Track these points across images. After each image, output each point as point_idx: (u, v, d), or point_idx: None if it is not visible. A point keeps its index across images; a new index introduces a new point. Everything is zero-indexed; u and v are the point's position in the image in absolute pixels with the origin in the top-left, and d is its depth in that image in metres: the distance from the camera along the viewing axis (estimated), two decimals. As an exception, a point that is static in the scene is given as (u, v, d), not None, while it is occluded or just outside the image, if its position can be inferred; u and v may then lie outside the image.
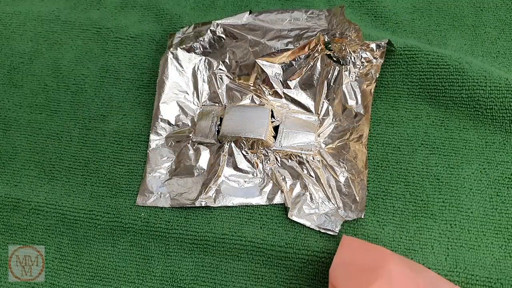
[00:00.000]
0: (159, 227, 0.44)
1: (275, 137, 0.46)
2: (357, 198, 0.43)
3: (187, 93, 0.50)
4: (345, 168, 0.44)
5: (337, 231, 0.41)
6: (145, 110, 0.51)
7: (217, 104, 0.49)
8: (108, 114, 0.51)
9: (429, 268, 0.39)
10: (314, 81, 0.48)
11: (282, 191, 0.44)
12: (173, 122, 0.49)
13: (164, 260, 0.43)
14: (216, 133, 0.47)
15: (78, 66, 0.54)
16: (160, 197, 0.45)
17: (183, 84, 0.50)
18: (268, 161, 0.46)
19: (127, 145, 0.49)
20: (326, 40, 0.49)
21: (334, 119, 0.47)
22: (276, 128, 0.47)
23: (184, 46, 0.51)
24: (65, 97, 0.52)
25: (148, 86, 0.52)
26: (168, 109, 0.49)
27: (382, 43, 0.47)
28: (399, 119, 0.47)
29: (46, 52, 0.55)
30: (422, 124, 0.46)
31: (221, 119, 0.47)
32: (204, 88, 0.50)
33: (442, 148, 0.45)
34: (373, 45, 0.47)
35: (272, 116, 0.47)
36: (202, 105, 0.50)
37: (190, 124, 0.49)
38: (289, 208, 0.43)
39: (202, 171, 0.46)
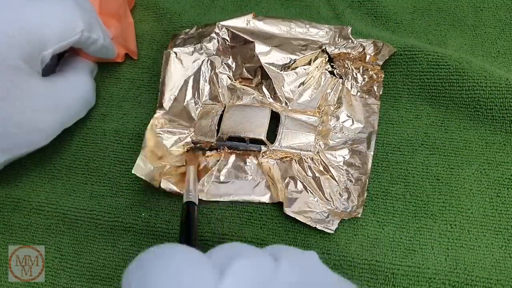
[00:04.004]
0: (160, 227, 0.44)
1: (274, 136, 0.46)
2: (355, 197, 0.43)
3: (188, 92, 0.50)
4: (344, 170, 0.44)
5: (333, 229, 0.41)
6: (146, 109, 0.51)
7: (217, 104, 0.49)
8: (109, 113, 0.51)
9: (429, 269, 0.39)
10: (316, 93, 0.48)
11: (277, 188, 0.44)
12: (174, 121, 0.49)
13: (164, 260, 0.43)
14: (215, 132, 0.47)
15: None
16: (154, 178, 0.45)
17: (185, 83, 0.50)
18: (267, 161, 0.46)
19: (127, 144, 0.49)
20: (329, 57, 0.49)
21: (334, 128, 0.47)
22: (275, 128, 0.47)
23: (187, 46, 0.51)
24: (65, 97, 0.52)
25: (148, 86, 0.52)
26: (169, 107, 0.49)
27: (380, 43, 0.48)
28: (399, 119, 0.47)
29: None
30: (422, 125, 0.46)
31: (220, 118, 0.47)
32: (205, 87, 0.50)
33: (442, 149, 0.45)
34: (371, 49, 0.48)
35: (272, 116, 0.47)
36: (203, 104, 0.50)
37: (190, 123, 0.49)
38: (284, 203, 0.43)
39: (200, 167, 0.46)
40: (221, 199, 0.44)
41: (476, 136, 0.45)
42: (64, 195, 0.47)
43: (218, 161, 0.46)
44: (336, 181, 0.44)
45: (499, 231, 0.41)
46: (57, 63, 0.50)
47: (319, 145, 0.46)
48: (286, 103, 0.48)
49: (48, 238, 0.46)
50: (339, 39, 0.50)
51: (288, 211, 0.42)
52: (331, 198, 0.43)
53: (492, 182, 0.43)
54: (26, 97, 0.41)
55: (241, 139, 0.46)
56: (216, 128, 0.47)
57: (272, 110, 0.47)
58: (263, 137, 0.45)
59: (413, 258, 0.40)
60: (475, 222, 0.41)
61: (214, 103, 0.49)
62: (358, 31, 0.51)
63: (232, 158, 0.46)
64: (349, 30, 0.50)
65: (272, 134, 0.46)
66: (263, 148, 0.46)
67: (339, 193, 0.43)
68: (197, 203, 0.41)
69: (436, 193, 0.43)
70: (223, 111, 0.48)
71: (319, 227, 0.41)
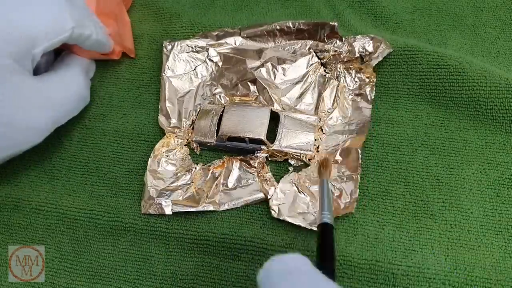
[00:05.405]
0: (159, 227, 0.44)
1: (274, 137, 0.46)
2: (347, 195, 0.43)
3: (191, 112, 0.50)
4: (335, 169, 0.44)
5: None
6: (145, 109, 0.51)
7: (216, 104, 0.50)
8: (108, 114, 0.51)
9: (428, 269, 0.39)
10: (312, 98, 0.49)
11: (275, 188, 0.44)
12: (177, 125, 0.49)
13: (164, 260, 0.43)
14: (215, 133, 0.47)
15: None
16: (163, 203, 0.45)
17: (184, 104, 0.50)
18: (267, 163, 0.46)
19: (127, 144, 0.49)
20: (321, 63, 0.50)
21: (329, 130, 0.47)
22: (275, 128, 0.47)
23: (180, 75, 0.51)
24: (65, 97, 0.52)
25: (148, 86, 0.52)
26: (170, 111, 0.50)
27: (382, 45, 0.48)
28: (399, 119, 0.47)
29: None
30: (422, 124, 0.46)
31: (220, 119, 0.47)
32: (203, 98, 0.51)
33: (442, 149, 0.45)
34: (370, 46, 0.48)
35: (272, 116, 0.47)
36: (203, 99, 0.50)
37: (190, 124, 0.49)
38: (277, 208, 0.43)
39: (202, 177, 0.46)
40: (236, 205, 0.44)
41: (476, 136, 0.45)
42: (64, 195, 0.47)
43: (223, 170, 0.46)
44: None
45: (499, 231, 0.41)
46: (54, 62, 0.50)
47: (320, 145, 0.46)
48: (284, 110, 0.48)
49: (48, 238, 0.45)
50: (324, 32, 0.50)
51: (282, 215, 0.42)
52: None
53: (492, 182, 0.43)
54: (16, 95, 0.40)
55: (241, 139, 0.46)
56: (216, 128, 0.47)
57: (271, 110, 0.47)
58: (263, 137, 0.45)
59: (413, 258, 0.40)
60: (475, 222, 0.41)
61: (213, 103, 0.50)
62: (358, 31, 0.51)
63: (237, 163, 0.46)
64: (336, 26, 0.50)
65: (272, 134, 0.46)
66: (263, 148, 0.46)
67: (331, 191, 0.43)
68: (333, 224, 0.36)
69: (436, 193, 0.43)
70: (222, 112, 0.48)
71: (314, 228, 0.41)
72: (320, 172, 0.43)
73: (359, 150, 0.44)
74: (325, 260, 0.34)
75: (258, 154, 0.46)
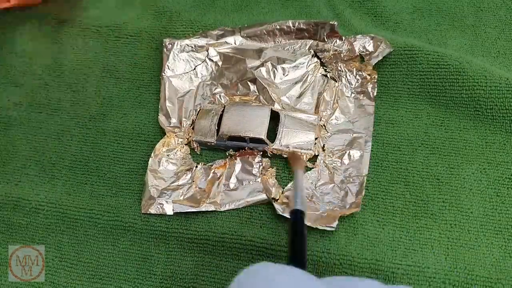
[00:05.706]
0: (160, 227, 0.44)
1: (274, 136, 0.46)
2: (353, 195, 0.43)
3: (191, 113, 0.50)
4: (342, 170, 0.44)
5: (335, 227, 0.41)
6: (145, 109, 0.51)
7: (217, 104, 0.50)
8: (109, 113, 0.51)
9: (429, 268, 0.39)
10: (312, 97, 0.49)
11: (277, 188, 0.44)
12: (177, 124, 0.49)
13: (164, 259, 0.43)
14: (215, 132, 0.47)
15: (79, 65, 0.54)
16: (164, 203, 0.45)
17: (184, 104, 0.50)
18: (268, 162, 0.46)
19: (127, 144, 0.49)
20: (321, 62, 0.50)
21: (331, 129, 0.47)
22: (276, 127, 0.47)
23: (180, 73, 0.51)
24: (66, 96, 0.52)
25: (148, 86, 0.52)
26: (171, 111, 0.50)
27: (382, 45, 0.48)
28: (399, 119, 0.47)
29: (46, 51, 0.55)
30: (422, 124, 0.46)
31: (220, 118, 0.47)
32: (203, 98, 0.51)
33: (442, 148, 0.45)
34: (370, 45, 0.49)
35: (272, 115, 0.47)
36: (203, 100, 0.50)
37: (190, 123, 0.49)
38: (282, 208, 0.43)
39: (203, 176, 0.46)
40: (237, 206, 0.44)
41: (476, 136, 0.45)
42: (64, 195, 0.47)
43: (225, 170, 0.46)
44: (333, 180, 0.44)
45: (499, 230, 0.41)
46: None
47: (320, 144, 0.46)
48: (284, 109, 0.48)
49: (48, 237, 0.45)
50: (324, 32, 0.50)
51: (287, 213, 0.42)
52: (331, 192, 0.43)
53: (492, 181, 0.43)
54: None
55: (242, 139, 0.46)
56: (216, 128, 0.47)
57: (271, 110, 0.47)
58: (263, 136, 0.45)
59: (413, 257, 0.40)
60: (475, 221, 0.41)
61: (213, 103, 0.50)
62: (358, 30, 0.51)
63: (239, 165, 0.46)
64: (336, 25, 0.50)
65: (272, 133, 0.46)
66: (264, 147, 0.46)
67: (337, 192, 0.43)
68: (305, 211, 0.37)
69: (436, 192, 0.43)
70: (222, 111, 0.48)
71: (320, 226, 0.41)
72: (294, 164, 0.43)
73: (368, 153, 0.45)
74: (295, 247, 0.34)
75: (259, 155, 0.46)
